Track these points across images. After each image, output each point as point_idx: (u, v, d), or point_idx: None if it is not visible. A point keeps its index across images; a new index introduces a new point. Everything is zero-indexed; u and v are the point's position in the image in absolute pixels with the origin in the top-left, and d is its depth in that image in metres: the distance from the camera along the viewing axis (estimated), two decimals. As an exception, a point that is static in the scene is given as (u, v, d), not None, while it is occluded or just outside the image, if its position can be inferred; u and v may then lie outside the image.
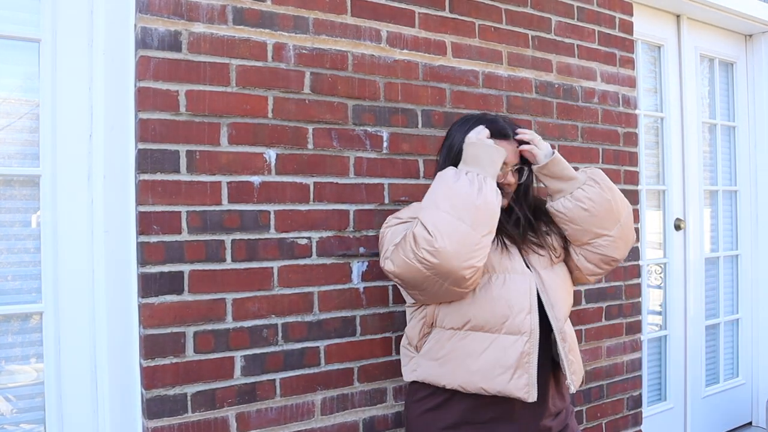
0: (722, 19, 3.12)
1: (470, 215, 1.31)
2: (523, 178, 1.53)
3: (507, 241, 1.49)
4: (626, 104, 2.45)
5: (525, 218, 1.53)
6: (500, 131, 1.47)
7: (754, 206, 3.35)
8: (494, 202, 1.35)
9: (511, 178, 1.50)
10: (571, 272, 1.59)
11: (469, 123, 1.49)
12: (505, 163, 1.46)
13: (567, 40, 2.27)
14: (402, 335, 1.64)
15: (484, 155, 1.38)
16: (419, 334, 1.53)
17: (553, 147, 1.54)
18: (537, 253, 1.52)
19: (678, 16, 3.01)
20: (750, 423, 3.33)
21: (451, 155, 1.49)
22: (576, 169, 1.54)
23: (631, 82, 2.48)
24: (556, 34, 2.24)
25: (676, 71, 3.00)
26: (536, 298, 1.44)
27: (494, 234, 1.38)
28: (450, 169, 1.40)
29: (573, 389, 1.47)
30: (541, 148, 1.49)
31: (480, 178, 1.36)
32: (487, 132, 1.43)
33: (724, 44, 3.26)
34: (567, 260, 1.59)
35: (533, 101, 2.16)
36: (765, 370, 3.32)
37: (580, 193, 1.48)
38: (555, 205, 1.52)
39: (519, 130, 1.51)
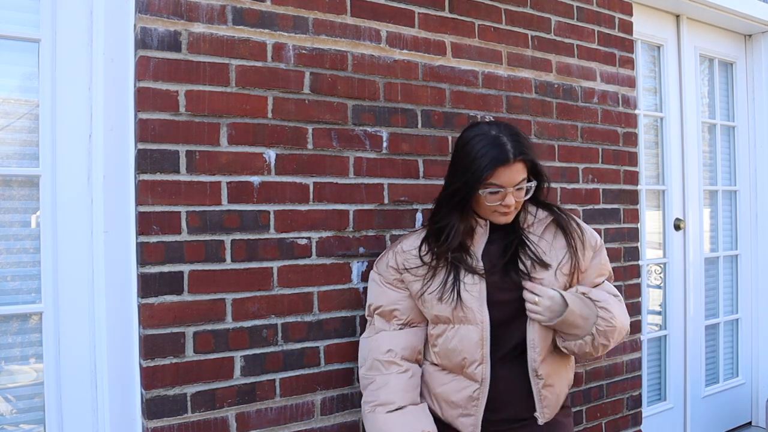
0: (722, 19, 3.12)
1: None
2: (529, 194, 1.47)
3: (472, 278, 1.46)
4: (626, 104, 2.45)
5: (519, 244, 1.50)
6: (499, 159, 1.39)
7: (754, 206, 3.35)
8: None
9: (511, 200, 1.43)
10: None
11: (478, 148, 1.42)
12: (502, 187, 1.41)
13: (567, 40, 2.27)
14: None
15: None
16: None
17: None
18: (529, 278, 1.47)
19: (678, 16, 3.01)
20: (750, 423, 3.33)
21: (467, 177, 1.43)
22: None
23: (631, 82, 2.48)
24: (555, 34, 2.24)
25: (675, 71, 3.00)
26: (489, 347, 1.45)
27: None
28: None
29: (540, 421, 1.49)
30: (543, 314, 1.43)
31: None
32: None
33: (724, 44, 3.26)
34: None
35: (533, 101, 2.16)
36: (765, 369, 3.32)
37: (570, 344, 1.47)
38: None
39: (525, 295, 1.45)
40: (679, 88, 3.01)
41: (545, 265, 1.48)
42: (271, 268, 1.64)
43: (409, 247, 1.57)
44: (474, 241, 1.52)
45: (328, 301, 1.72)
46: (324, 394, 1.71)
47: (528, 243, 1.51)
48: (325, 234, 1.72)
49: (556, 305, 1.42)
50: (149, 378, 1.48)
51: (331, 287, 1.72)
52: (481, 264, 1.49)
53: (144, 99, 1.49)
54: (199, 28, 1.56)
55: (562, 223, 1.54)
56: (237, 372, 1.58)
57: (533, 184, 1.47)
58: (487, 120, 2.03)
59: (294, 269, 1.67)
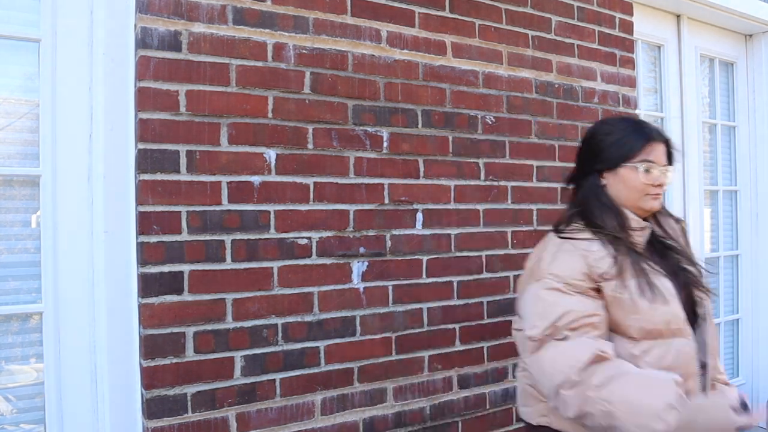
0: (722, 19, 3.11)
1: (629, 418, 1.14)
2: (672, 179, 1.38)
3: (663, 280, 1.28)
4: (626, 104, 2.45)
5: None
6: (652, 135, 1.33)
7: (754, 206, 3.35)
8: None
9: (664, 178, 1.34)
10: None
11: (626, 134, 1.33)
12: (655, 164, 1.33)
13: (567, 40, 2.27)
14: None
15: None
16: None
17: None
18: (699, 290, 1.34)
19: (678, 16, 3.00)
20: (750, 423, 3.32)
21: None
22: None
23: (631, 82, 2.47)
24: (556, 34, 2.24)
25: (676, 71, 3.00)
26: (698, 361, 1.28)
27: None
28: (669, 403, 1.13)
29: None
30: None
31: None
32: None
33: (724, 44, 3.26)
34: None
35: (533, 101, 2.16)
36: (765, 369, 3.32)
37: None
38: None
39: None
40: (679, 88, 3.01)
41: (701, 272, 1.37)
42: (272, 268, 1.64)
43: (586, 243, 1.31)
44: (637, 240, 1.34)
45: (329, 301, 1.72)
46: (324, 394, 1.71)
47: (678, 246, 1.38)
48: (325, 234, 1.72)
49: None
50: (149, 378, 1.48)
51: (332, 287, 1.72)
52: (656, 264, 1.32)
53: (144, 99, 1.49)
54: (199, 27, 1.56)
55: (685, 230, 1.47)
56: (237, 372, 1.58)
57: (674, 170, 1.38)
58: (489, 124, 2.03)
59: (294, 269, 1.67)
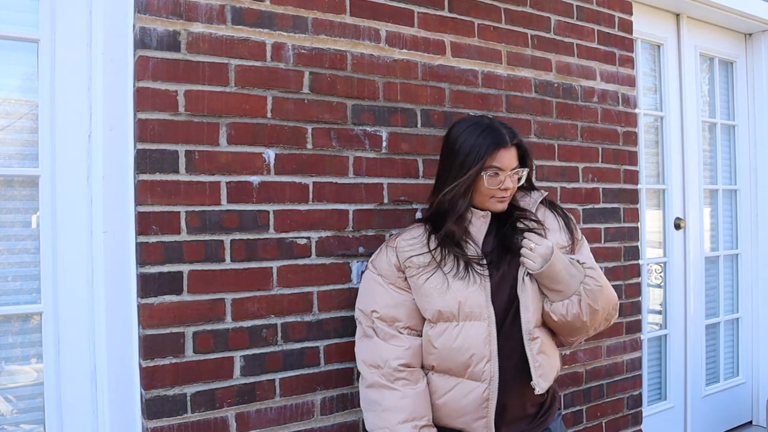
0: (722, 18, 3.11)
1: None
2: (522, 181, 1.52)
3: (476, 268, 1.46)
4: (626, 103, 2.45)
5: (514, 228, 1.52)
6: (499, 142, 1.46)
7: (754, 205, 3.35)
8: None
9: (510, 183, 1.48)
10: None
11: (476, 134, 1.47)
12: (501, 170, 1.46)
13: (566, 40, 2.27)
14: None
15: None
16: None
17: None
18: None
19: (678, 15, 3.00)
20: (750, 422, 3.32)
21: (465, 168, 1.46)
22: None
23: (631, 81, 2.47)
24: (555, 34, 2.23)
25: (675, 70, 3.00)
26: (496, 345, 1.43)
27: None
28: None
29: (538, 390, 1.45)
30: (534, 261, 1.42)
31: None
32: None
33: (724, 43, 3.26)
34: None
35: (533, 100, 2.15)
36: (765, 369, 3.32)
37: (557, 306, 1.44)
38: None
39: (524, 242, 1.45)
40: (679, 87, 3.01)
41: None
42: (271, 268, 1.64)
43: (409, 237, 1.55)
44: (474, 232, 1.52)
45: (328, 300, 1.72)
46: (324, 394, 1.71)
47: (524, 222, 1.53)
48: (324, 234, 1.72)
49: (549, 254, 1.42)
50: (149, 378, 1.48)
51: (331, 287, 1.72)
52: (482, 256, 1.49)
53: (143, 99, 1.49)
54: (198, 27, 1.56)
55: (552, 203, 1.62)
56: (237, 372, 1.58)
57: (526, 171, 1.52)
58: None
59: (294, 269, 1.67)
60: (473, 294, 1.44)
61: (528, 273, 1.46)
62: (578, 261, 1.46)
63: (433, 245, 1.50)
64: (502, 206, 1.52)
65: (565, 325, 1.47)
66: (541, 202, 1.61)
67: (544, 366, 1.48)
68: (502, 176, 1.47)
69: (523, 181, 1.52)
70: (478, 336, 1.43)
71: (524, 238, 1.46)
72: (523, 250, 1.44)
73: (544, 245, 1.43)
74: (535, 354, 1.45)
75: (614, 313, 1.54)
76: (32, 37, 1.53)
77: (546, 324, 1.51)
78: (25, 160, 1.55)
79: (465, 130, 1.49)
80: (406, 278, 1.52)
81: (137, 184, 1.50)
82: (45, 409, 1.52)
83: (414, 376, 1.48)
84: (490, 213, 1.52)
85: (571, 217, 1.63)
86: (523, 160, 1.52)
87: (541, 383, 1.45)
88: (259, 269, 1.62)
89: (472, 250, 1.50)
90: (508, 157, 1.46)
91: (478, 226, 1.52)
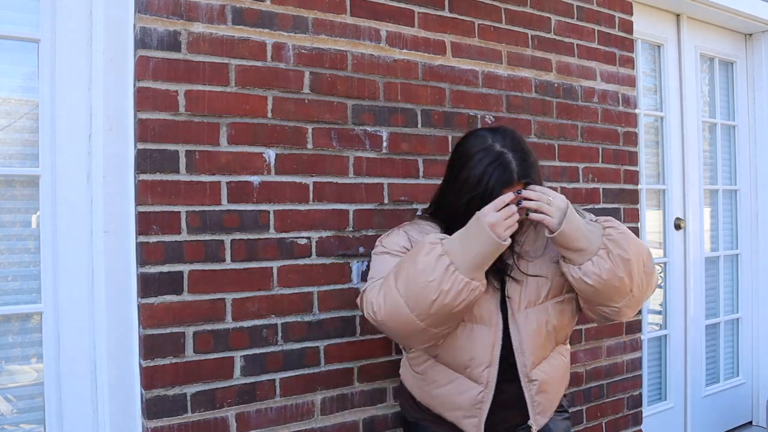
0: (722, 18, 3.11)
1: (421, 308, 1.26)
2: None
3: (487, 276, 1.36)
4: (626, 103, 2.45)
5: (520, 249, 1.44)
6: (506, 181, 1.34)
7: (754, 205, 3.35)
8: (453, 303, 1.25)
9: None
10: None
11: (487, 162, 1.35)
12: None
13: (567, 40, 2.27)
14: None
15: (475, 246, 1.26)
16: None
17: (564, 194, 1.44)
18: (526, 286, 1.43)
19: (678, 15, 3.00)
20: (750, 422, 3.32)
21: (468, 186, 1.37)
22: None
23: (631, 82, 2.47)
24: (555, 34, 2.24)
25: (675, 70, 3.00)
26: (500, 350, 1.40)
27: (451, 325, 1.34)
28: (431, 241, 1.29)
29: (535, 428, 1.43)
30: (552, 216, 1.30)
31: (451, 271, 1.24)
32: (505, 213, 1.27)
33: (724, 43, 3.26)
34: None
35: (533, 101, 2.16)
36: (765, 369, 3.32)
37: (588, 267, 1.32)
38: (561, 267, 1.40)
39: (525, 194, 1.32)
40: (679, 87, 3.01)
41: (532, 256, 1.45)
42: (271, 268, 1.64)
43: (419, 230, 1.48)
44: None
45: (328, 300, 1.72)
46: (324, 394, 1.71)
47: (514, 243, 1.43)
48: (325, 234, 1.72)
49: (565, 207, 1.31)
50: (149, 378, 1.48)
51: (331, 287, 1.72)
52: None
53: (143, 99, 1.49)
54: (198, 27, 1.56)
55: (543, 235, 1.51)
56: (237, 372, 1.58)
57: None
58: (488, 123, 2.03)
59: (294, 269, 1.67)
60: (485, 300, 1.40)
61: (526, 305, 1.41)
62: (592, 220, 1.39)
63: None
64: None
65: (605, 286, 1.32)
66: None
67: (544, 404, 1.45)
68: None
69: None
70: (484, 341, 1.40)
71: (530, 190, 1.33)
72: (537, 204, 1.31)
73: (559, 197, 1.32)
74: (534, 395, 1.43)
75: (650, 264, 1.41)
76: (33, 37, 1.53)
77: (562, 336, 1.47)
78: (26, 159, 1.55)
79: (475, 156, 1.38)
80: None
81: (137, 184, 1.50)
82: (45, 409, 1.52)
83: None
84: None
85: None
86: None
87: (539, 420, 1.44)
88: (259, 269, 1.62)
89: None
90: (510, 190, 1.35)
91: None
